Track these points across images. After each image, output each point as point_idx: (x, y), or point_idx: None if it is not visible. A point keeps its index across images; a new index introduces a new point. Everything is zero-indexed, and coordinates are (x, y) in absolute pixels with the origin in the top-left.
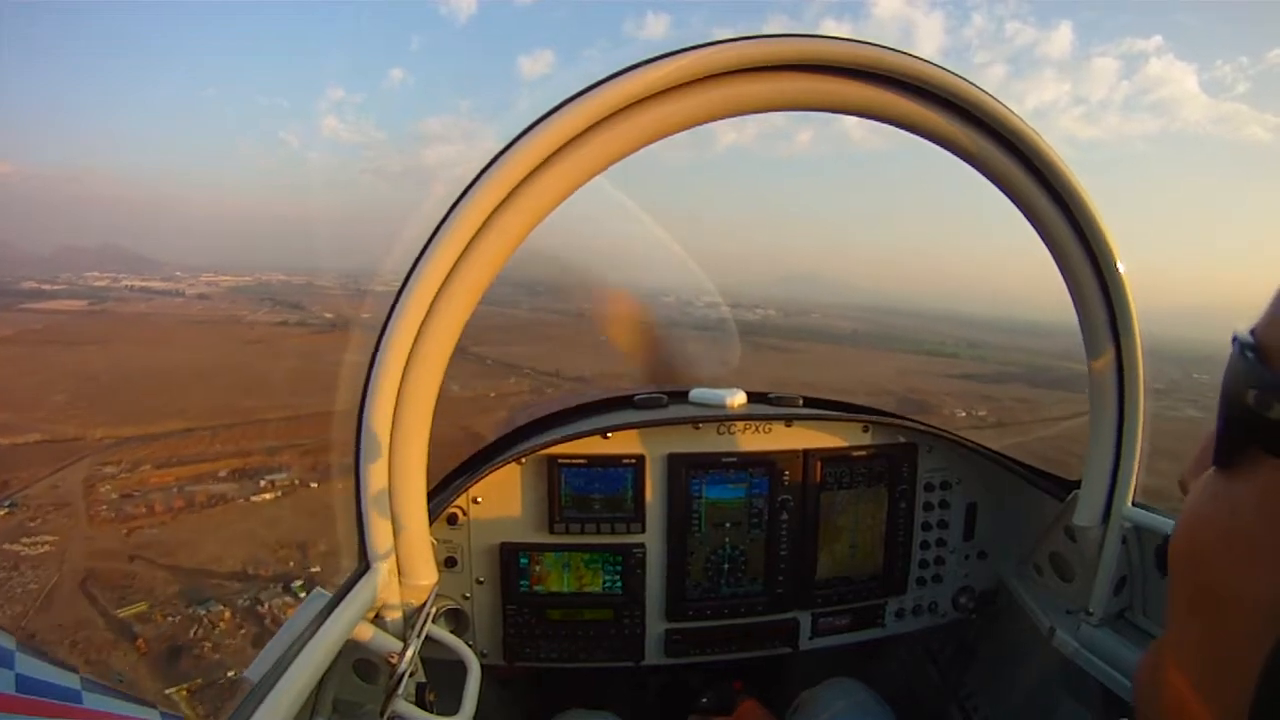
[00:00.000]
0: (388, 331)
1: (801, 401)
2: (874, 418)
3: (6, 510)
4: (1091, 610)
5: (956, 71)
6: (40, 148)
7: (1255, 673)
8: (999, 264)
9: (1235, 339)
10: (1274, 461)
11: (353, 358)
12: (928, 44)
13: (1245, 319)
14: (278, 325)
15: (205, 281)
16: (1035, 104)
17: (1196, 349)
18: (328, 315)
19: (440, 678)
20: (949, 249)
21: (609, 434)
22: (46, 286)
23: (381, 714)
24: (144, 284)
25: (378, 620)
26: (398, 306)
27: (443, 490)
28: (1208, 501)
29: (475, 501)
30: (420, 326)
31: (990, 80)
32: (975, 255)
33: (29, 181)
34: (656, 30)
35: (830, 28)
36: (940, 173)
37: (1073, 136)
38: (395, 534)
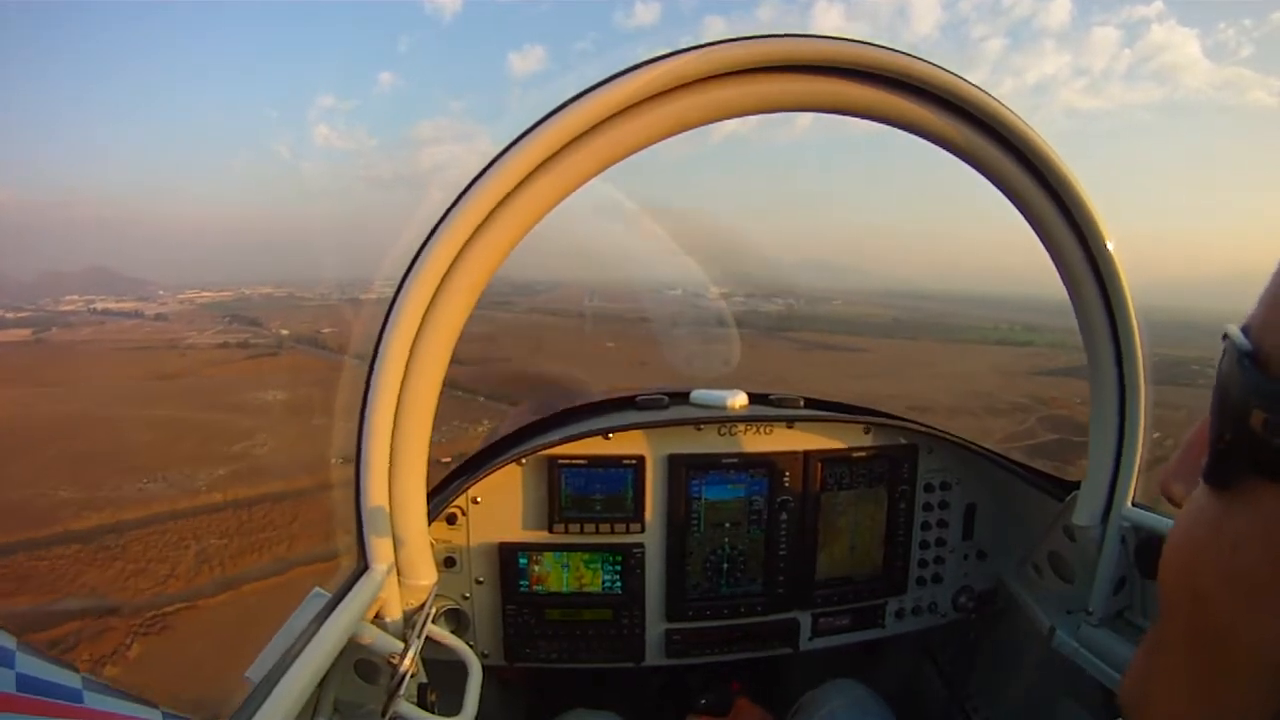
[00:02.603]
0: (387, 332)
1: (802, 403)
2: (874, 419)
3: None
4: (1091, 610)
5: (944, 66)
6: (30, 173)
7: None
8: (1001, 241)
9: (1226, 339)
10: (1278, 490)
11: (277, 395)
12: (924, 20)
13: None
14: (218, 348)
15: (180, 299)
16: (1036, 77)
17: None
18: (284, 332)
19: (441, 678)
20: (951, 228)
21: (610, 435)
22: (10, 315)
23: (383, 715)
24: (116, 305)
25: (378, 620)
26: (396, 307)
27: (442, 490)
28: (1204, 528)
29: (475, 502)
30: (420, 326)
31: (989, 54)
32: (975, 232)
33: (22, 208)
34: (647, 19)
35: (824, 7)
36: (933, 153)
37: (1074, 109)
38: (395, 534)
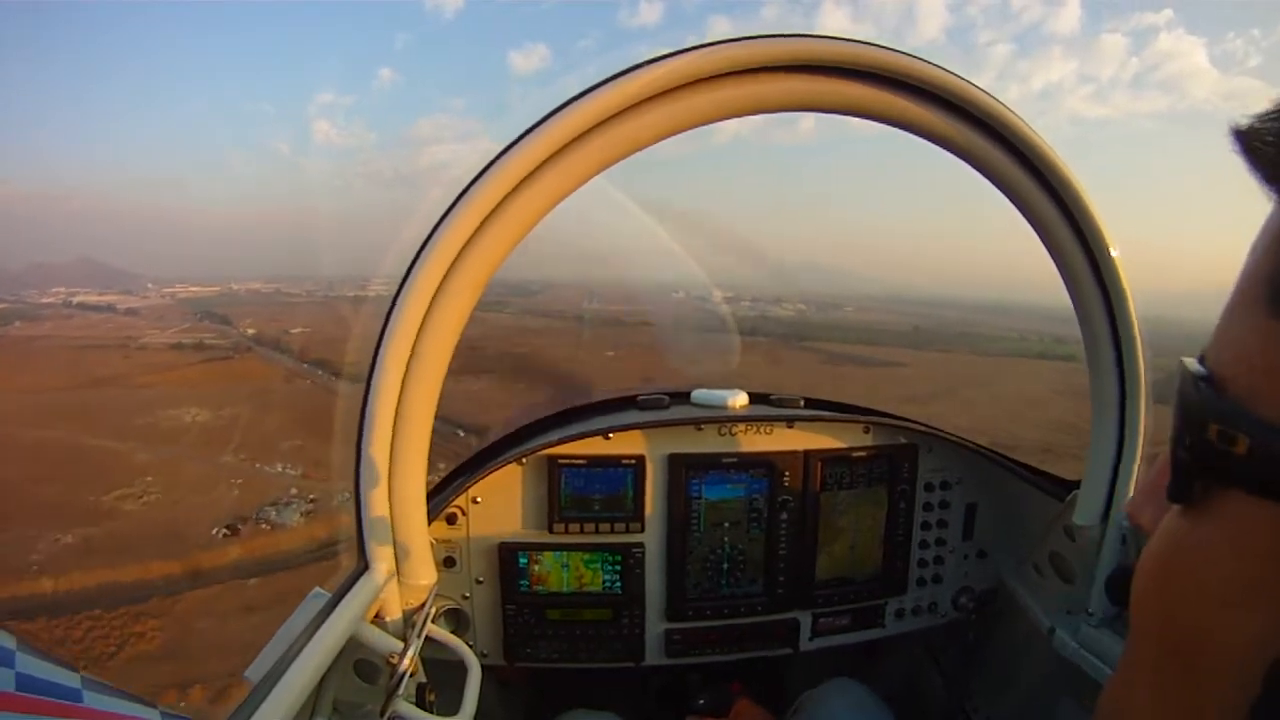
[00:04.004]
0: (388, 332)
1: (802, 402)
2: (874, 418)
3: None
4: (1091, 610)
5: (947, 68)
6: (29, 166)
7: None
8: (1000, 248)
9: (1182, 368)
10: (1243, 497)
11: (198, 416)
12: (930, 23)
13: None
14: (171, 348)
15: (164, 294)
16: (1042, 84)
17: None
18: (249, 332)
19: (440, 678)
20: (948, 234)
21: (610, 434)
22: None
23: (382, 714)
24: (94, 299)
25: (377, 620)
26: (398, 306)
27: (442, 490)
28: (1172, 546)
29: (475, 501)
30: (421, 326)
31: (996, 60)
32: (973, 239)
33: (19, 199)
34: (650, 18)
35: (829, 9)
36: (929, 159)
37: (1080, 116)
38: (395, 534)
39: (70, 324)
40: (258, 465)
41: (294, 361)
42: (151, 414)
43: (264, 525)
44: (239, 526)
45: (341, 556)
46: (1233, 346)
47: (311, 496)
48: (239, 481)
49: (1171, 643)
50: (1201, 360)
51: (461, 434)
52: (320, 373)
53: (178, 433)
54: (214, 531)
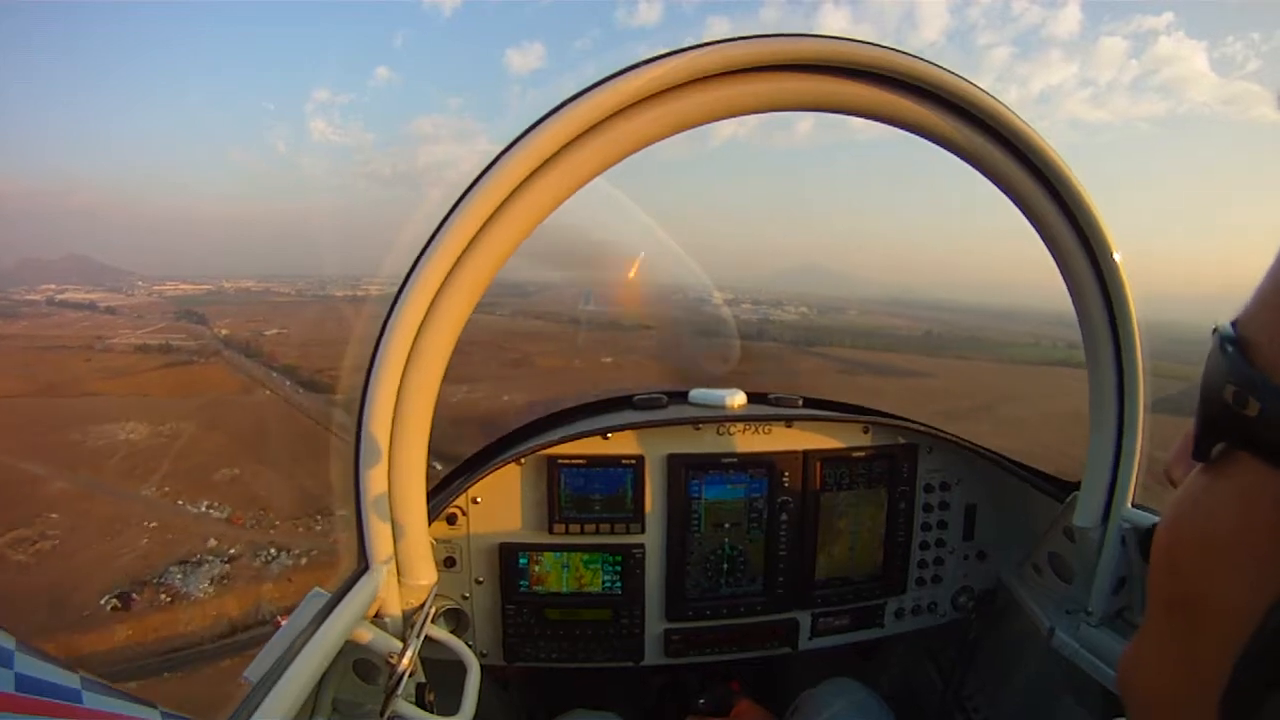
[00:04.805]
0: (387, 333)
1: (801, 402)
2: (874, 418)
3: None
4: (1091, 610)
5: (950, 69)
6: (28, 161)
7: (1228, 678)
8: (996, 252)
9: (1215, 332)
10: (1250, 459)
11: (134, 432)
12: (931, 25)
13: None
14: (136, 350)
15: (151, 291)
16: (1041, 87)
17: None
18: (223, 333)
19: (440, 678)
20: (944, 237)
21: (609, 434)
22: None
23: (381, 714)
24: (79, 296)
25: (377, 620)
26: (397, 308)
27: (442, 490)
28: (1188, 503)
29: (474, 502)
30: (420, 327)
31: (995, 63)
32: (968, 242)
33: (17, 195)
34: (649, 18)
35: (829, 10)
36: (918, 164)
37: (1079, 120)
38: (394, 534)
39: (45, 323)
40: (180, 503)
41: (261, 367)
42: (87, 428)
43: (164, 595)
44: (133, 595)
45: (260, 646)
46: (1263, 314)
47: (231, 551)
48: (152, 525)
49: (1175, 595)
50: (1235, 324)
51: (438, 466)
52: (287, 383)
53: (106, 453)
54: (102, 601)
